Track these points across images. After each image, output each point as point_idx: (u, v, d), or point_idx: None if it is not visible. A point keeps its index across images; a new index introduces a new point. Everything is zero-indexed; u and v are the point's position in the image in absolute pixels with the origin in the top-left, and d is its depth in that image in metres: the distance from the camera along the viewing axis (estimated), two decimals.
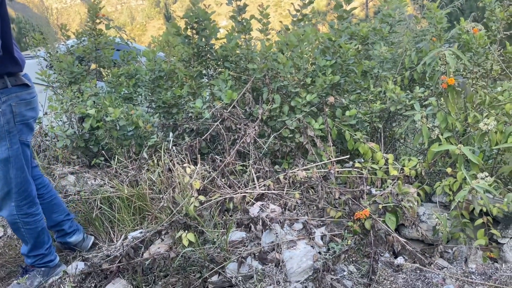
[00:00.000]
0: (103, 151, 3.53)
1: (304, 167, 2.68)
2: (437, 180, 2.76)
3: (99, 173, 3.48)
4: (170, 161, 2.83)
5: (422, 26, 3.49)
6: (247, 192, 2.50)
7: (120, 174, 3.17)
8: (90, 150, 3.73)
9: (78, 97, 3.65)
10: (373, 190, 2.56)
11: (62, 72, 3.97)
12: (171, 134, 3.06)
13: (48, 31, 4.94)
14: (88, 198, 2.82)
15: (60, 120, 3.81)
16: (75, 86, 3.87)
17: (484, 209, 2.35)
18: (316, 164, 2.74)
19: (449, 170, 2.63)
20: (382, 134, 3.24)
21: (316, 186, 2.48)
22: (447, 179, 2.59)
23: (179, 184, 2.60)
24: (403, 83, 3.20)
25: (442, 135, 2.70)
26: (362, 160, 2.89)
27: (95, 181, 3.24)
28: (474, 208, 2.35)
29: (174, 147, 2.90)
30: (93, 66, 4.64)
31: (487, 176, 2.31)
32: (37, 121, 3.85)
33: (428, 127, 2.70)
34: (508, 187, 2.51)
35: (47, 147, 3.65)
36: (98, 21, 4.18)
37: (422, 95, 2.92)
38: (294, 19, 3.43)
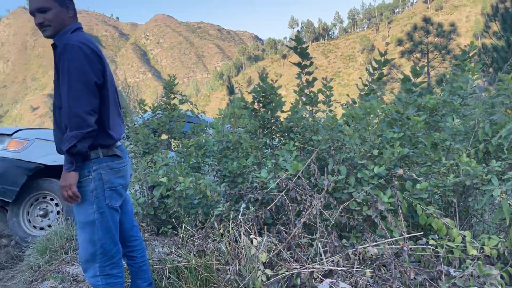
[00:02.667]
0: (171, 219, 3.64)
1: (375, 243, 2.58)
2: None
3: (166, 241, 3.56)
4: (236, 231, 2.85)
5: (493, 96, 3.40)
6: (315, 268, 2.43)
7: (187, 242, 3.22)
8: (159, 218, 3.87)
9: (151, 166, 3.86)
10: (452, 271, 2.38)
11: (138, 143, 4.26)
12: (243, 205, 3.11)
13: (126, 105, 5.41)
14: (156, 266, 2.88)
15: (133, 189, 4.03)
16: (149, 156, 4.12)
17: None
18: (387, 240, 2.62)
19: None
20: (456, 209, 3.06)
21: (389, 264, 2.35)
22: None
23: (245, 255, 2.59)
24: (477, 156, 3.07)
25: None
26: (437, 237, 2.73)
27: (162, 249, 3.32)
28: None
29: (240, 217, 2.93)
30: (163, 136, 4.96)
31: None
32: None
33: (508, 203, 2.52)
34: None
35: None
36: (172, 96, 4.52)
37: (500, 169, 2.77)
38: (362, 93, 3.49)
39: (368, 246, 2.47)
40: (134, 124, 4.60)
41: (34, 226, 4.28)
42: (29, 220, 4.28)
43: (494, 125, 2.98)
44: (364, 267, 2.51)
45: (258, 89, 3.73)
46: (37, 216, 4.29)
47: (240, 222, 2.87)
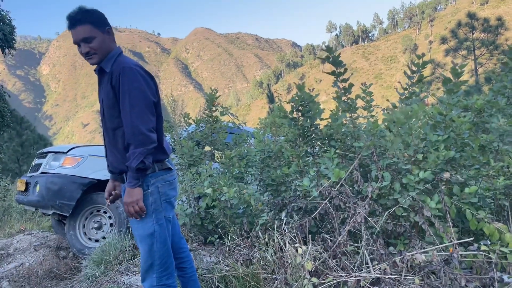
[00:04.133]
0: (218, 229, 3.73)
1: (423, 250, 2.53)
2: None
3: (213, 250, 3.66)
4: (281, 240, 2.89)
5: None
6: (361, 276, 2.42)
7: (234, 251, 3.30)
8: (206, 228, 3.97)
9: (196, 178, 3.99)
10: (506, 277, 2.29)
11: (183, 155, 4.41)
12: (283, 213, 3.15)
13: (172, 119, 5.61)
14: (205, 275, 2.96)
15: (180, 200, 4.17)
16: (194, 168, 4.25)
17: None
18: (436, 246, 2.57)
19: None
20: (509, 213, 2.94)
21: (438, 272, 2.30)
22: None
23: (291, 264, 2.62)
24: None
25: None
26: (489, 242, 2.63)
27: (210, 258, 3.41)
28: None
29: (285, 226, 2.97)
30: (206, 148, 5.09)
31: None
32: None
33: None
34: None
35: None
36: (214, 109, 4.65)
37: None
38: (402, 97, 3.44)
39: (416, 253, 2.43)
40: (180, 138, 4.76)
41: (90, 238, 4.52)
42: (84, 232, 4.53)
43: None
44: (412, 274, 2.47)
45: (296, 98, 3.77)
46: (92, 228, 4.53)
47: (285, 230, 2.90)
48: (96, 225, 4.52)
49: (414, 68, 3.36)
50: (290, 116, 3.84)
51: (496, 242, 2.60)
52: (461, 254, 2.52)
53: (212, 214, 3.87)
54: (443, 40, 26.17)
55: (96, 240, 4.51)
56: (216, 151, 5.02)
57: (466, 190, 2.90)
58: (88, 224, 4.55)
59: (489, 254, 2.47)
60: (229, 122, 4.92)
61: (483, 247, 2.53)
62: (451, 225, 2.73)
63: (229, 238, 3.48)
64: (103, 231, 4.53)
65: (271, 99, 28.65)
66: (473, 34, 24.60)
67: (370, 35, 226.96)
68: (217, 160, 5.02)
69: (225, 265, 3.04)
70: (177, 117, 5.50)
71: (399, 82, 3.49)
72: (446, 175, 2.97)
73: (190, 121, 5.10)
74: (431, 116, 3.31)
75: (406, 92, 3.40)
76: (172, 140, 4.83)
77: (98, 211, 4.57)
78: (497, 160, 2.99)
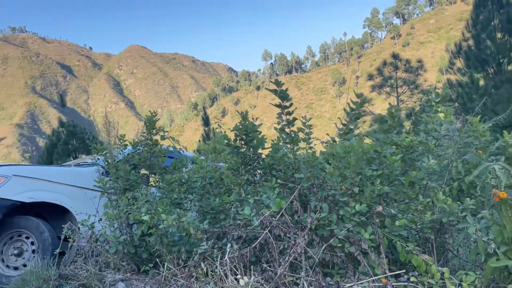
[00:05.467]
0: (153, 258, 3.60)
1: (359, 281, 2.63)
2: None
3: (147, 280, 3.51)
4: (222, 270, 2.85)
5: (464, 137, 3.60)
6: None
7: (170, 281, 3.19)
8: (139, 256, 3.81)
9: (132, 203, 3.84)
10: None
11: (118, 179, 4.24)
12: (228, 245, 3.12)
13: (106, 140, 5.38)
14: None
15: (112, 226, 3.97)
16: (130, 193, 4.09)
17: None
18: (372, 278, 2.69)
19: (510, 287, 2.52)
20: (434, 245, 3.17)
21: None
22: None
23: None
24: (452, 194, 3.22)
25: (498, 249, 2.64)
26: (417, 274, 2.81)
27: None
28: None
29: (227, 256, 2.94)
30: (142, 171, 4.93)
31: None
32: (89, 226, 4.04)
33: (483, 240, 2.65)
34: None
35: (99, 253, 3.76)
36: (154, 132, 4.55)
37: (474, 207, 2.91)
38: (341, 132, 3.63)
39: (353, 285, 2.52)
40: (114, 160, 4.57)
41: (8, 266, 4.12)
42: (2, 259, 4.13)
43: (466, 164, 3.16)
44: None
45: (240, 127, 3.82)
46: (11, 255, 4.15)
47: (226, 261, 2.88)
48: (16, 251, 4.14)
49: (353, 106, 3.56)
50: (234, 144, 3.87)
51: (423, 273, 2.79)
52: (393, 285, 2.67)
53: (148, 242, 3.73)
54: (370, 77, 28.08)
55: (16, 268, 4.12)
56: (153, 175, 4.88)
57: (397, 223, 3.10)
58: (6, 250, 4.16)
59: (418, 285, 2.64)
60: (169, 146, 4.83)
61: (412, 279, 2.70)
62: (384, 256, 2.89)
63: (165, 267, 3.37)
64: (23, 258, 4.16)
65: (206, 122, 28.57)
66: (396, 73, 26.71)
67: (303, 66, 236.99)
68: (153, 185, 4.88)
69: None
70: (112, 138, 5.29)
71: (338, 118, 3.68)
72: (380, 208, 3.15)
73: (126, 142, 4.93)
74: (367, 152, 3.52)
75: (344, 127, 3.59)
76: (106, 162, 4.63)
77: (20, 236, 4.20)
78: (424, 196, 3.24)
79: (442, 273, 2.77)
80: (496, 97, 16.14)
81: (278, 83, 3.44)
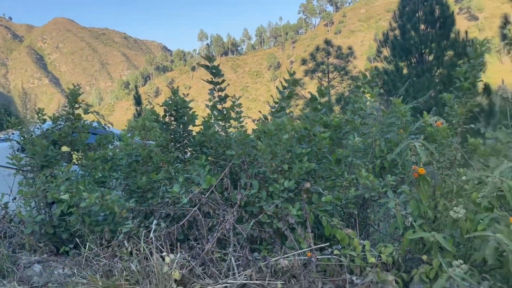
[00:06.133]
0: (74, 238, 3.39)
1: (285, 255, 2.67)
2: (412, 267, 2.80)
3: (67, 261, 3.30)
4: (147, 249, 2.75)
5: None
6: (228, 283, 2.44)
7: (92, 262, 3.02)
8: (59, 237, 3.58)
9: (51, 181, 3.57)
10: (354, 279, 2.56)
11: (35, 155, 3.91)
12: (154, 221, 3.01)
13: (22, 114, 4.95)
14: None
15: (29, 206, 3.68)
16: (48, 170, 3.80)
17: None
18: (297, 252, 2.74)
19: (424, 257, 2.69)
20: (357, 220, 3.31)
21: (299, 275, 2.46)
22: (423, 267, 2.63)
23: (157, 274, 2.51)
24: (375, 170, 3.37)
25: (415, 222, 2.80)
26: (340, 247, 2.92)
27: (63, 270, 3.07)
28: None
29: (152, 234, 2.84)
30: (64, 148, 4.61)
31: (462, 264, 2.38)
32: (2, 205, 3.71)
33: (402, 214, 2.80)
34: (483, 274, 2.58)
35: (14, 234, 3.47)
36: (77, 106, 4.25)
37: (394, 183, 3.06)
38: (273, 110, 3.62)
39: (279, 258, 2.55)
40: (31, 135, 4.21)
41: None
42: None
43: (388, 142, 3.31)
44: (275, 279, 2.59)
45: (170, 102, 3.68)
46: None
47: (152, 239, 2.78)
48: None
49: (285, 84, 3.57)
50: (163, 120, 3.73)
51: (346, 247, 2.90)
52: (317, 258, 2.74)
53: (68, 222, 3.50)
54: (303, 62, 28.71)
55: None
56: (75, 152, 4.58)
57: (323, 198, 3.18)
58: None
59: (341, 258, 2.74)
60: (93, 122, 4.55)
61: (336, 252, 2.80)
62: (310, 231, 2.95)
63: (87, 247, 3.18)
64: None
65: (138, 101, 27.54)
66: (328, 59, 27.57)
67: (239, 48, 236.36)
68: (76, 162, 4.58)
69: (81, 277, 2.77)
70: (28, 112, 4.86)
71: (271, 96, 3.67)
72: (307, 184, 3.22)
73: (45, 117, 4.56)
74: (297, 130, 3.56)
75: (276, 106, 3.59)
76: (22, 137, 4.25)
77: None
78: (350, 172, 3.35)
79: (364, 246, 2.90)
80: (418, 85, 17.25)
81: (209, 59, 3.34)
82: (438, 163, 3.07)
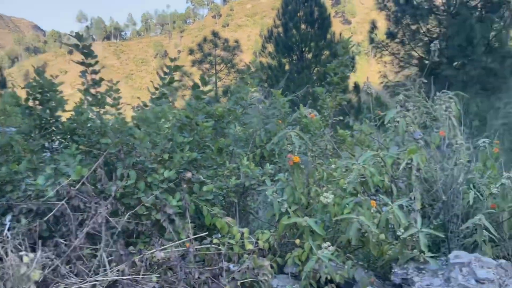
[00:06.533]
0: None
1: (162, 247, 2.58)
2: (288, 251, 2.94)
3: None
4: (2, 249, 2.42)
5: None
6: (97, 280, 2.26)
7: None
8: None
9: None
10: (232, 266, 2.58)
11: None
12: (8, 217, 2.64)
13: None
14: None
15: None
16: None
17: (329, 277, 2.56)
18: (175, 243, 2.66)
19: (297, 241, 2.84)
20: (237, 208, 3.35)
21: (175, 267, 2.39)
22: (296, 250, 2.78)
23: (13, 276, 2.22)
24: (255, 160, 3.44)
25: (290, 208, 2.94)
26: (220, 236, 2.92)
27: None
28: (320, 277, 2.55)
29: (7, 232, 2.50)
30: None
31: (329, 246, 2.57)
32: None
33: (278, 201, 2.91)
34: (347, 254, 2.81)
35: None
36: None
37: (272, 171, 3.17)
38: (153, 96, 3.46)
39: (155, 251, 2.45)
40: None
41: None
42: None
43: (268, 133, 3.41)
44: (151, 272, 2.48)
45: (34, 84, 3.28)
46: None
47: (7, 237, 2.44)
48: None
49: (166, 70, 3.43)
50: (25, 104, 3.30)
51: (226, 235, 2.92)
52: (196, 248, 2.70)
53: None
54: (191, 52, 28.43)
55: None
56: None
57: (204, 188, 3.15)
58: None
59: (220, 246, 2.74)
60: None
61: (215, 240, 2.79)
62: (189, 221, 2.90)
63: None
64: None
65: (2, 84, 24.41)
66: (215, 50, 27.72)
67: (122, 33, 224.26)
68: None
69: None
70: None
71: (151, 82, 3.50)
72: (188, 174, 3.15)
73: None
74: (179, 119, 3.47)
75: (157, 92, 3.44)
76: None
77: None
78: (231, 161, 3.38)
79: (242, 234, 2.94)
80: (298, 81, 18.31)
81: (79, 37, 3.05)
82: (311, 152, 3.27)
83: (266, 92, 3.82)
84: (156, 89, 3.46)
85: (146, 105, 3.52)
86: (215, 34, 28.66)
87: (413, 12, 17.92)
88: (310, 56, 21.42)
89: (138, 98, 3.53)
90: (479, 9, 17.44)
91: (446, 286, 2.33)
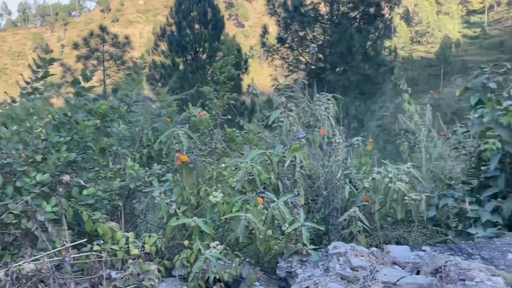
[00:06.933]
0: None
1: (33, 258, 2.32)
2: (176, 254, 2.86)
3: None
4: None
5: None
6: None
7: None
8: None
9: None
10: (114, 274, 2.43)
11: None
12: None
13: None
14: None
15: None
16: None
17: (218, 276, 2.56)
18: (48, 252, 2.41)
19: (186, 242, 2.79)
20: (122, 212, 3.18)
21: (47, 279, 2.16)
22: (185, 252, 2.73)
23: None
24: (142, 160, 3.30)
25: (179, 209, 2.87)
26: (102, 242, 2.73)
27: None
28: (209, 277, 2.53)
29: None
30: None
31: (218, 245, 2.56)
32: None
33: (166, 202, 2.82)
34: (235, 252, 2.84)
35: None
36: None
37: (160, 172, 3.06)
38: (23, 91, 3.11)
39: (23, 263, 2.19)
40: None
41: None
42: None
43: (156, 131, 3.29)
44: (18, 287, 2.21)
45: None
46: None
47: None
48: None
49: (40, 63, 3.11)
50: None
51: (109, 241, 2.73)
52: (74, 257, 2.49)
53: None
54: (75, 46, 26.44)
55: None
56: None
57: (84, 192, 2.92)
58: None
59: (101, 253, 2.56)
60: None
61: (96, 247, 2.60)
62: (66, 228, 2.66)
63: None
64: None
65: None
66: (103, 46, 26.19)
67: None
68: None
69: None
70: None
71: (21, 74, 3.14)
72: (66, 177, 2.89)
73: None
74: (55, 116, 3.17)
75: (28, 86, 3.10)
76: None
77: None
78: (115, 162, 3.19)
79: (128, 238, 2.79)
80: (193, 81, 18.17)
81: None
82: (200, 151, 3.24)
83: (155, 89, 3.69)
84: (28, 83, 3.12)
85: (14, 101, 3.14)
86: (103, 28, 27.07)
87: (301, 19, 19.04)
88: (204, 56, 21.43)
89: (6, 93, 3.14)
90: (357, 20, 19.19)
91: (325, 275, 2.48)
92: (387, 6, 18.67)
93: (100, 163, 3.15)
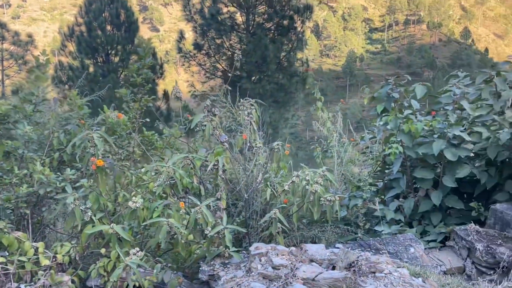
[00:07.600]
0: None
1: None
2: (92, 263, 2.71)
3: None
4: None
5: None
6: None
7: None
8: None
9: None
10: (23, 287, 2.23)
11: None
12: None
13: None
14: None
15: None
16: None
17: (138, 284, 2.47)
18: None
19: (103, 250, 2.65)
20: (30, 221, 2.92)
21: None
22: (101, 260, 2.59)
23: None
24: (52, 164, 3.08)
25: (95, 216, 2.72)
26: (7, 254, 2.49)
27: None
28: (128, 285, 2.44)
29: None
30: None
31: (138, 251, 2.48)
32: None
33: (81, 209, 2.66)
34: (156, 258, 2.77)
35: None
36: None
37: (74, 177, 2.88)
38: None
39: None
40: None
41: None
42: None
43: (68, 134, 3.10)
44: None
45: None
46: None
47: None
48: None
49: None
50: None
51: (15, 252, 2.50)
52: None
53: None
54: None
55: None
56: None
57: None
58: None
59: (7, 265, 2.33)
60: None
61: (1, 259, 2.37)
62: None
63: None
64: None
65: None
66: (2, 44, 23.91)
67: None
68: None
69: None
70: None
71: None
72: None
73: None
74: None
75: None
76: None
77: None
78: (21, 167, 2.93)
79: (37, 249, 2.58)
80: (104, 84, 17.31)
81: None
82: (117, 154, 3.11)
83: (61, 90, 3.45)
84: None
85: None
86: (2, 25, 24.68)
87: (218, 27, 19.18)
88: (117, 59, 20.55)
89: None
90: (272, 31, 19.84)
91: (247, 276, 2.52)
92: (299, 20, 19.56)
93: (4, 168, 2.87)
